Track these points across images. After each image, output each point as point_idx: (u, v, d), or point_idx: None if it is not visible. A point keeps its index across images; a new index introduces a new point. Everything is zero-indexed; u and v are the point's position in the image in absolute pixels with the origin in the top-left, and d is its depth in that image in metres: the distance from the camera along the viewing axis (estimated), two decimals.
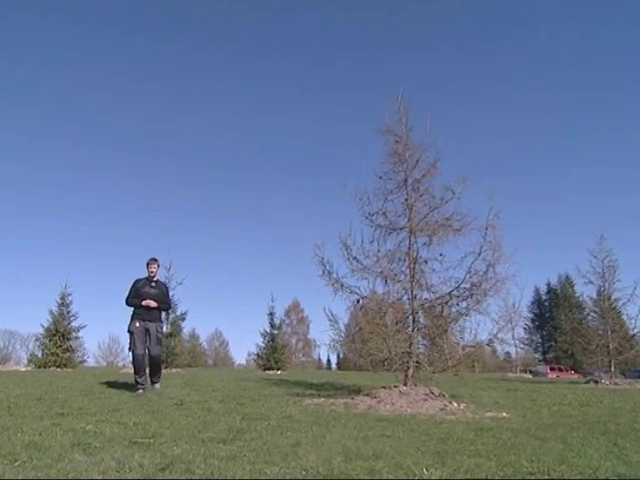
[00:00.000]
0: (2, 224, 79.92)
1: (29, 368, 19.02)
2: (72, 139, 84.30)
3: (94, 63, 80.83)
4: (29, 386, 7.58)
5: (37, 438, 3.48)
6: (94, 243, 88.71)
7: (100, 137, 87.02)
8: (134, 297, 7.20)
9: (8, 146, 79.49)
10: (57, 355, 18.96)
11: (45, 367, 18.32)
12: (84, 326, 20.79)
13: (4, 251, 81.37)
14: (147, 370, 7.25)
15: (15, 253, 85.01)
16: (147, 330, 7.08)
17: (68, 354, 19.55)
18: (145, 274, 7.40)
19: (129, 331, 7.07)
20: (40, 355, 19.64)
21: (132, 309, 7.21)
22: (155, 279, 7.42)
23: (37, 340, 20.64)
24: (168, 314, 20.37)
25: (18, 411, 4.84)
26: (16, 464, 2.79)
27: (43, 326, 19.90)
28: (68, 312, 20.36)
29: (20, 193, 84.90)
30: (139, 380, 6.94)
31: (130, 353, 7.14)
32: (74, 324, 20.42)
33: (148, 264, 7.41)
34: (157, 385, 7.39)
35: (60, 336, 19.47)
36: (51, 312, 20.06)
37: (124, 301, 7.25)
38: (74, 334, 20.34)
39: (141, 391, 6.80)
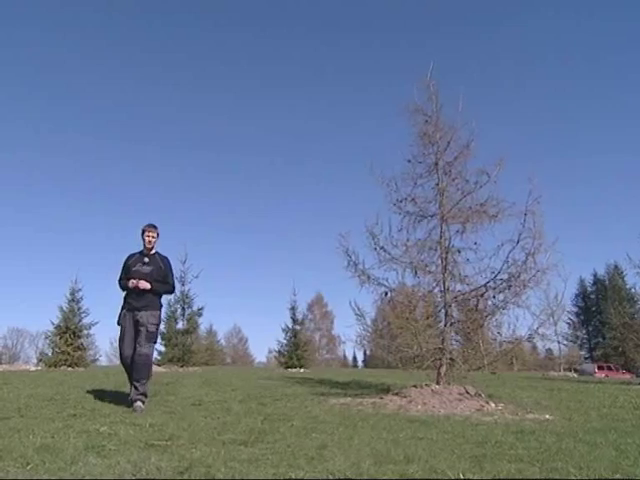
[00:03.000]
0: (8, 217, 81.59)
1: (39, 367, 19.45)
2: (81, 129, 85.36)
3: (85, 46, 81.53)
4: (40, 386, 7.74)
5: (49, 440, 3.57)
6: (105, 236, 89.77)
7: (110, 127, 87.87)
8: (124, 278, 5.92)
9: (11, 138, 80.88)
10: (68, 354, 19.31)
11: (55, 366, 18.68)
12: (96, 323, 21.10)
13: (10, 245, 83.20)
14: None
15: (22, 247, 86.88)
16: (137, 322, 5.73)
17: (79, 352, 19.88)
18: (141, 247, 6.04)
19: (118, 323, 5.88)
20: (50, 354, 20.00)
21: (125, 294, 5.97)
22: (152, 252, 6.00)
23: (47, 338, 20.99)
24: (184, 309, 20.67)
25: (29, 412, 4.96)
26: (28, 468, 2.86)
27: (53, 323, 20.29)
28: (79, 308, 20.66)
29: (26, 184, 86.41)
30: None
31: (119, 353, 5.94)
32: (85, 321, 20.71)
33: (144, 232, 5.93)
34: (138, 402, 5.44)
35: (71, 334, 19.81)
36: (61, 309, 20.40)
37: (117, 283, 6.02)
38: (85, 331, 20.65)
39: (139, 403, 5.46)
